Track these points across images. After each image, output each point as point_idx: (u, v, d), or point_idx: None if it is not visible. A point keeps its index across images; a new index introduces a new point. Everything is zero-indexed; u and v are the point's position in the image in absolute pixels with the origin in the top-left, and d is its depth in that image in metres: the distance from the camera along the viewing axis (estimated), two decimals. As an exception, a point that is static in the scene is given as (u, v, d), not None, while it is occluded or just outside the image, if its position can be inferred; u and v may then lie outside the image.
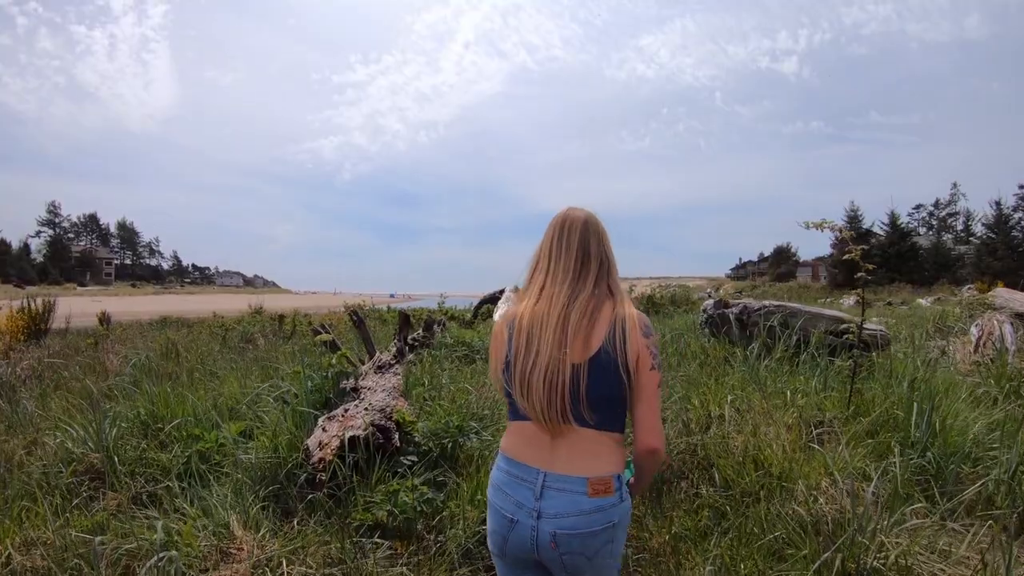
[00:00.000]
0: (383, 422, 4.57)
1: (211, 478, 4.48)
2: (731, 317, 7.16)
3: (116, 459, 4.88)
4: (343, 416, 4.71)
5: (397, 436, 4.56)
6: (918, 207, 76.58)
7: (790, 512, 3.66)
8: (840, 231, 4.73)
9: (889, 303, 26.24)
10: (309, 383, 5.77)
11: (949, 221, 76.73)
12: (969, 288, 27.54)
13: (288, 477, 4.32)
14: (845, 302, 28.44)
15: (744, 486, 4.07)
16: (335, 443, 4.27)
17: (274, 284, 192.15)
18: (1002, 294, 10.49)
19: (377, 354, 7.30)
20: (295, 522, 3.92)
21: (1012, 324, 7.97)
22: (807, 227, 4.89)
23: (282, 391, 5.81)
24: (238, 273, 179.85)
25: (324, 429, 4.54)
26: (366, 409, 4.82)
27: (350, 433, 4.30)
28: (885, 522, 3.29)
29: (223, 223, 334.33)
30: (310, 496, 4.07)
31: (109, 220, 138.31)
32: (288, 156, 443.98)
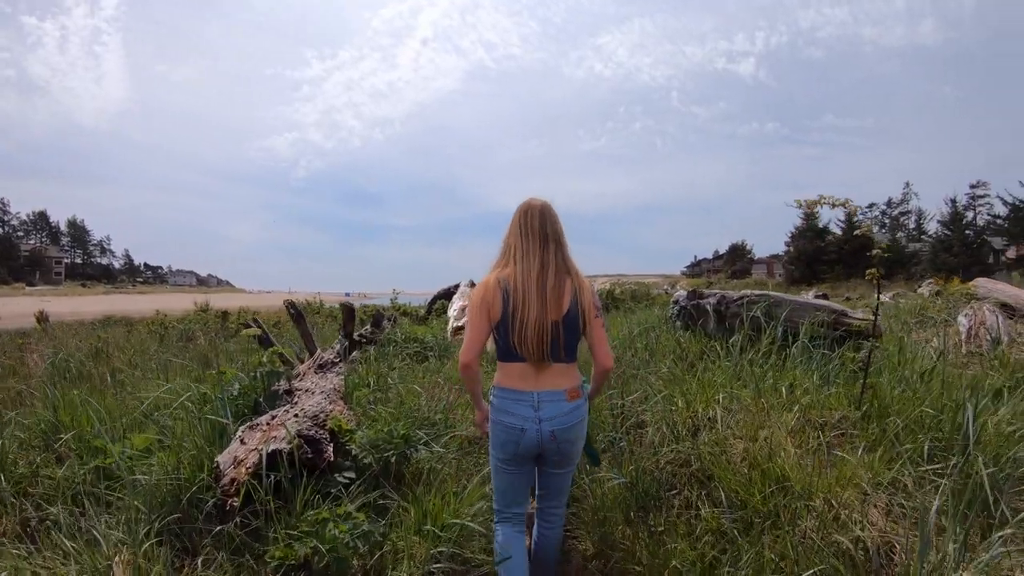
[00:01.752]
0: (313, 432, 3.87)
1: (111, 501, 3.73)
2: (708, 308, 6.54)
3: (2, 477, 4.17)
4: (268, 424, 3.99)
5: (331, 448, 3.86)
6: (871, 206, 77.38)
7: (823, 538, 3.04)
8: (845, 205, 4.09)
9: (848, 298, 25.87)
10: (237, 385, 5.05)
11: (902, 220, 77.64)
12: (928, 283, 27.35)
13: (193, 503, 3.53)
14: (804, 297, 28.25)
15: (756, 504, 3.42)
16: (253, 459, 3.52)
17: (228, 283, 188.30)
18: (984, 284, 10.05)
19: (318, 352, 6.57)
20: (198, 562, 3.19)
21: (1001, 314, 7.45)
22: (799, 206, 4.38)
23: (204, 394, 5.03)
24: (191, 272, 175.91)
25: (243, 441, 3.79)
26: (296, 416, 4.13)
27: (272, 446, 3.57)
28: (955, 552, 2.66)
29: (176, 221, 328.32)
30: (218, 528, 3.32)
31: (59, 218, 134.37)
32: (242, 153, 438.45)
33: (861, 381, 4.27)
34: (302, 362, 6.60)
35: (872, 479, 3.35)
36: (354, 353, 7.26)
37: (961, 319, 7.48)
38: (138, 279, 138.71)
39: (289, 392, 5.08)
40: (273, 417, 4.17)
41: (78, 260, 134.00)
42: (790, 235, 60.25)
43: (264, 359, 5.38)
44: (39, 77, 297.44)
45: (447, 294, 15.36)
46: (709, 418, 4.33)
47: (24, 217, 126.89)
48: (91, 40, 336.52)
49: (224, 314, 14.67)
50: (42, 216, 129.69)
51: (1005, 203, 47.86)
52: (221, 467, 3.52)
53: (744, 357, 5.41)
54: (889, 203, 79.67)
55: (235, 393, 5.05)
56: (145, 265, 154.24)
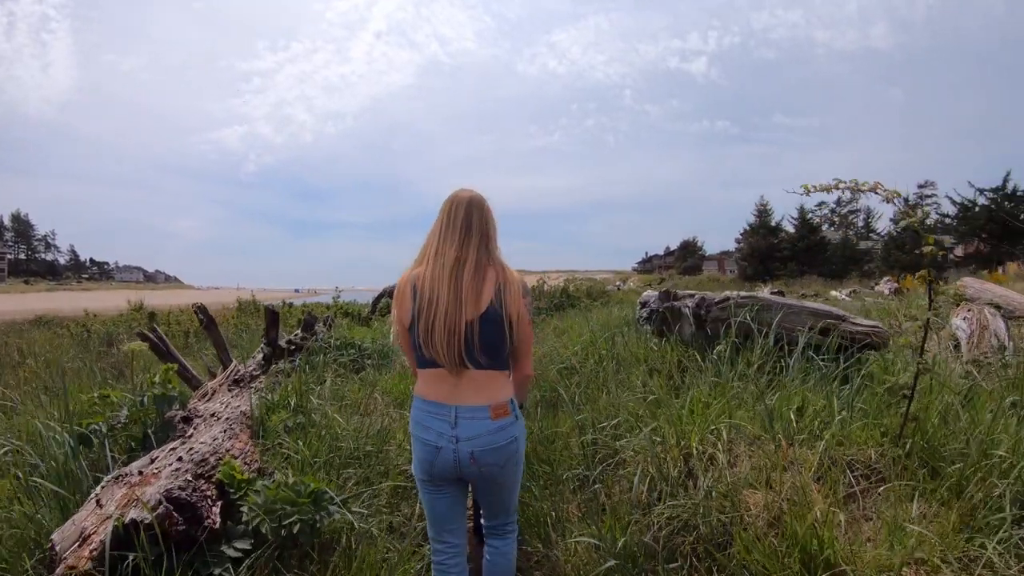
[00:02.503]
0: (189, 492, 2.90)
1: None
2: (685, 312, 5.72)
3: None
4: (140, 475, 3.06)
5: (217, 510, 2.95)
6: (820, 204, 77.60)
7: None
8: (880, 186, 3.31)
9: (803, 295, 25.38)
10: (126, 411, 4.14)
11: (851, 218, 78.12)
12: (887, 280, 27.05)
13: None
14: (761, 292, 27.74)
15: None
16: (101, 536, 2.57)
17: (176, 279, 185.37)
18: (972, 284, 9.34)
19: (234, 364, 5.63)
20: None
21: (1001, 316, 6.74)
22: (808, 192, 3.60)
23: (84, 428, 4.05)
24: (139, 268, 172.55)
25: (99, 503, 2.84)
26: (181, 459, 3.23)
27: (131, 514, 2.63)
28: None
29: (124, 216, 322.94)
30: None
31: (2, 212, 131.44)
32: (191, 146, 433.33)
33: (902, 411, 3.42)
34: (214, 376, 5.67)
35: (943, 550, 2.55)
36: (280, 363, 6.34)
37: (958, 322, 6.74)
38: (84, 275, 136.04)
39: (187, 419, 4.17)
40: (152, 461, 3.27)
41: (22, 256, 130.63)
42: (742, 232, 60.20)
43: (156, 378, 4.43)
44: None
45: (392, 292, 14.30)
46: (708, 456, 3.50)
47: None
48: (39, 27, 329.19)
49: (151, 315, 13.54)
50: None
51: (954, 202, 47.99)
52: (57, 548, 2.58)
53: (733, 371, 4.62)
54: (838, 202, 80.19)
55: (123, 421, 4.15)
56: (91, 261, 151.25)
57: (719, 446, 3.50)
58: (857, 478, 3.16)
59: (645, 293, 7.04)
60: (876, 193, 3.29)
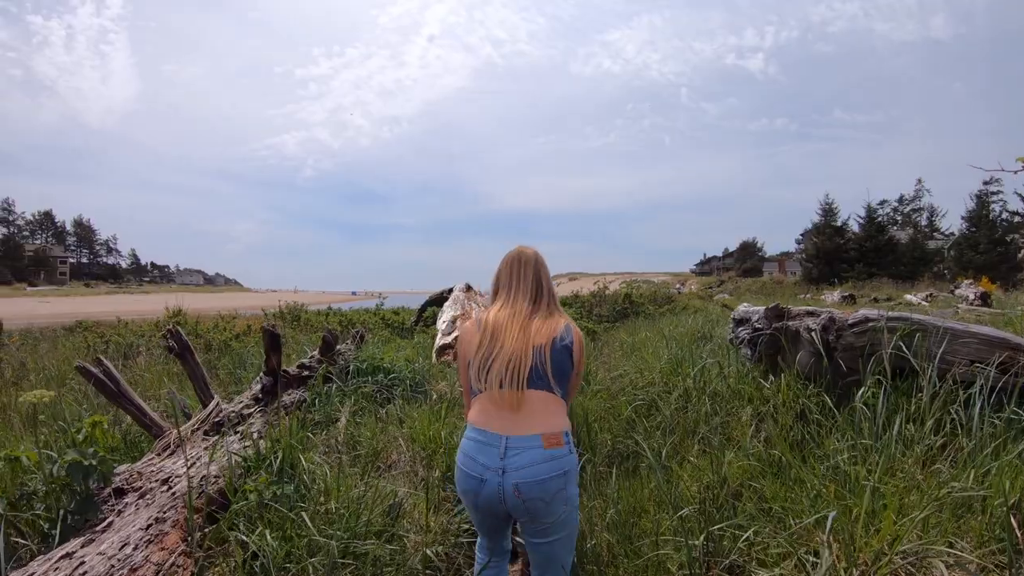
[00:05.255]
0: None
1: None
2: (804, 334, 4.31)
3: None
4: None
5: None
6: (882, 203, 75.04)
7: None
8: None
9: (875, 299, 23.55)
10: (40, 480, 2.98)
11: (914, 217, 75.41)
12: (969, 284, 25.11)
13: None
14: (828, 297, 25.98)
15: None
16: None
17: (236, 282, 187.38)
18: None
19: (215, 402, 4.38)
20: None
21: None
22: None
23: None
24: (199, 271, 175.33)
25: None
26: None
27: None
28: None
29: (185, 221, 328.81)
30: None
31: (66, 218, 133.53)
32: (250, 153, 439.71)
33: None
34: (189, 418, 4.44)
35: None
36: (288, 395, 5.10)
37: None
38: (144, 278, 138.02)
39: (121, 492, 2.98)
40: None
41: (84, 260, 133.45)
42: (803, 232, 58.12)
43: (81, 434, 3.20)
44: (45, 76, 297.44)
45: (439, 299, 12.65)
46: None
47: (29, 217, 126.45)
48: (97, 39, 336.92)
49: (177, 324, 12.42)
50: (47, 216, 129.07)
51: (1022, 198, 45.48)
52: None
53: (887, 430, 3.26)
54: (901, 200, 77.52)
55: (37, 494, 2.99)
56: (152, 264, 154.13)
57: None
58: None
59: (741, 307, 5.60)
60: None
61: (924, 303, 20.33)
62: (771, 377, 4.46)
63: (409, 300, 19.00)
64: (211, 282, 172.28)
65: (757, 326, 4.82)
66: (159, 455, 3.77)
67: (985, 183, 49.81)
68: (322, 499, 3.27)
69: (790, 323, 4.51)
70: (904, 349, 3.73)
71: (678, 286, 43.72)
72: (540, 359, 2.47)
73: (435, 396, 5.68)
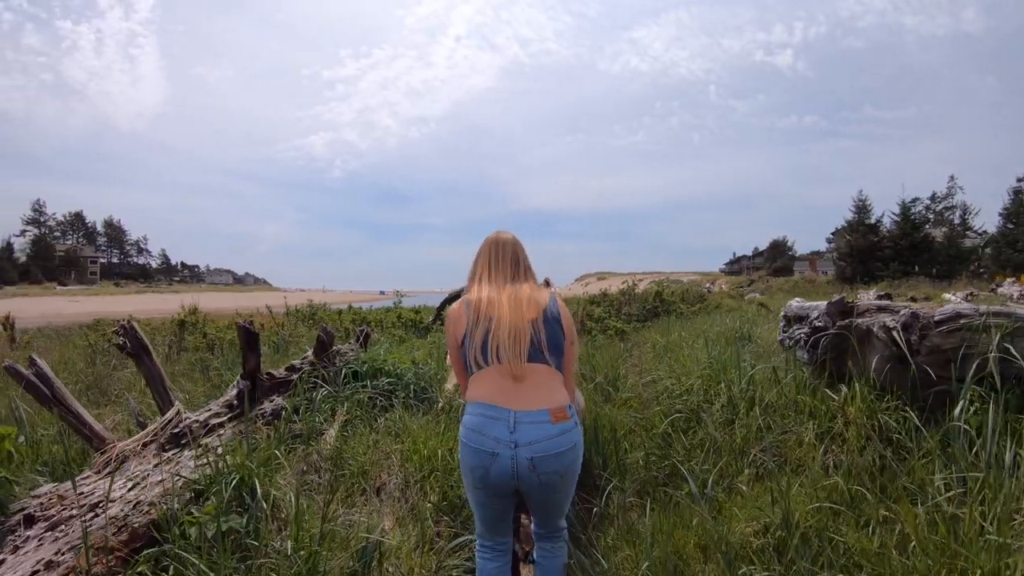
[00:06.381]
0: None
1: None
2: (881, 335, 3.56)
3: None
4: None
5: None
6: (914, 200, 73.60)
7: None
8: None
9: (912, 298, 22.53)
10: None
11: (946, 215, 73.92)
12: (1012, 282, 24.13)
13: None
14: (864, 297, 25.03)
15: None
16: None
17: (265, 282, 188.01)
18: None
19: (174, 410, 3.71)
20: None
21: None
22: None
23: None
24: (228, 271, 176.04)
25: None
26: None
27: None
28: None
29: (215, 222, 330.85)
30: None
31: (96, 219, 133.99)
32: (278, 154, 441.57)
33: None
34: (143, 427, 3.79)
35: None
36: (269, 401, 4.44)
37: None
38: (175, 278, 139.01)
39: (30, 520, 2.38)
40: None
41: (115, 260, 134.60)
42: (834, 231, 56.96)
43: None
44: (76, 81, 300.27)
45: (458, 296, 11.99)
46: None
47: (60, 218, 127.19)
48: (126, 43, 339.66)
49: (182, 323, 11.86)
50: (78, 217, 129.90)
51: (1058, 196, 44.31)
52: None
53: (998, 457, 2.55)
54: (933, 197, 76.04)
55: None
56: (182, 264, 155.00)
57: None
58: None
59: (794, 303, 4.83)
60: None
61: (964, 302, 19.40)
62: (840, 387, 3.70)
63: (434, 299, 18.38)
64: (240, 282, 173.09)
65: (817, 324, 4.06)
66: (98, 472, 3.14)
67: (1019, 179, 48.55)
68: (281, 535, 2.60)
69: (860, 320, 3.76)
70: (1013, 352, 2.99)
71: (708, 285, 42.79)
72: (535, 333, 2.49)
73: (440, 404, 4.98)
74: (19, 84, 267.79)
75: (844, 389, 3.58)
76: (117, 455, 3.23)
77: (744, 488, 3.24)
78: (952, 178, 73.55)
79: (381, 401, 4.97)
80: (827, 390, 3.73)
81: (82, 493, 2.83)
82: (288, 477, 3.28)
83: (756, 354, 5.46)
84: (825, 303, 4.15)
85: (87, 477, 3.07)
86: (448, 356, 2.86)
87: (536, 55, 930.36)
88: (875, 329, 3.58)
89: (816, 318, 4.12)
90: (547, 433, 2.33)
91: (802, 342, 4.23)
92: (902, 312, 3.48)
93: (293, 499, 2.82)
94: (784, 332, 4.76)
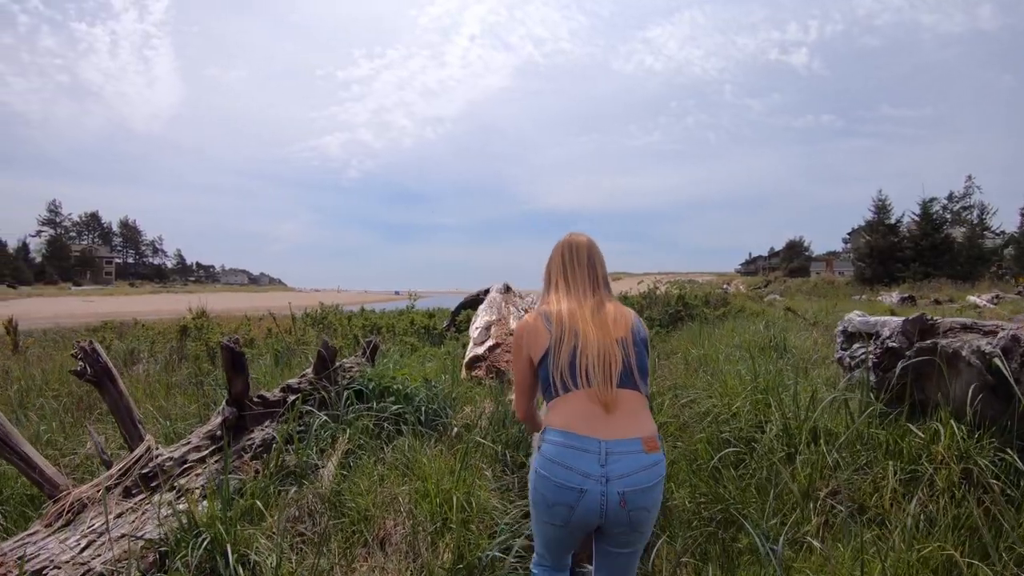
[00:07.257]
0: None
1: None
2: (973, 360, 3.01)
3: None
4: None
5: None
6: (931, 200, 72.95)
7: None
8: None
9: (936, 301, 21.83)
10: None
11: (964, 215, 73.16)
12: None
13: None
14: (886, 298, 24.37)
15: None
16: None
17: (280, 282, 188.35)
18: None
19: (144, 445, 3.21)
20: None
21: None
22: None
23: None
24: (244, 271, 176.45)
25: None
26: None
27: None
28: None
29: (230, 222, 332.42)
30: None
31: (112, 219, 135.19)
32: (293, 154, 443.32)
33: None
34: (108, 466, 3.28)
35: None
36: (260, 430, 3.94)
37: None
38: (190, 278, 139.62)
39: None
40: None
41: (130, 260, 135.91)
42: (851, 231, 56.28)
43: None
44: (91, 82, 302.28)
45: (475, 302, 11.25)
46: None
47: (76, 218, 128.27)
48: (141, 45, 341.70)
49: (183, 329, 11.40)
50: (94, 217, 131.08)
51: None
52: None
53: None
54: (950, 197, 75.20)
55: None
56: (197, 264, 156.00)
57: None
58: None
59: (855, 316, 4.24)
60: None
61: (990, 305, 18.78)
62: (922, 419, 3.16)
63: (449, 301, 17.88)
64: (255, 282, 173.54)
65: (891, 344, 3.50)
66: (49, 526, 2.64)
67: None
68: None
69: (944, 342, 3.21)
70: None
71: (725, 286, 42.28)
72: (626, 354, 2.29)
73: (455, 430, 4.44)
74: (36, 86, 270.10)
75: (936, 425, 3.03)
76: (72, 504, 2.73)
77: (816, 543, 2.71)
78: (970, 177, 72.74)
79: (388, 427, 4.44)
80: (908, 423, 3.18)
81: (22, 557, 2.34)
82: (275, 526, 2.77)
83: (795, 367, 4.92)
84: (900, 319, 3.60)
85: (34, 533, 2.58)
86: (514, 371, 2.50)
87: (550, 55, 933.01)
88: (965, 354, 3.03)
89: (889, 337, 3.56)
90: (640, 464, 2.14)
91: (871, 363, 3.67)
92: (1002, 334, 2.94)
93: (275, 562, 2.33)
94: (844, 350, 4.21)
